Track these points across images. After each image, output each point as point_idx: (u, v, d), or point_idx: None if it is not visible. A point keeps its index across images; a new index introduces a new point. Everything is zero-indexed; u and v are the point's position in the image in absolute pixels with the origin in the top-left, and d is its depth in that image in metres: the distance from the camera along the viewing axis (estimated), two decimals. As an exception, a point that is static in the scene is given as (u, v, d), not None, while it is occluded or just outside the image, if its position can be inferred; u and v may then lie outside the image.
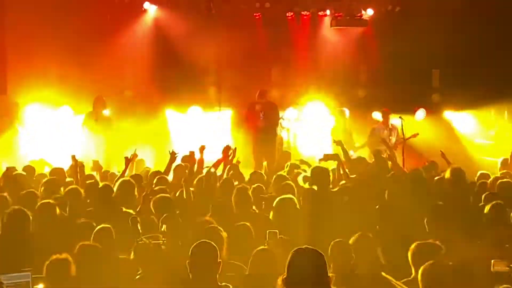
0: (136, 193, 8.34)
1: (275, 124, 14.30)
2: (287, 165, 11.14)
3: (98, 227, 6.48)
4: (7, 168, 10.47)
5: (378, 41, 16.33)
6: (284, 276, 4.28)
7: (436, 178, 9.45)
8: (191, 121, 16.59)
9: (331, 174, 8.80)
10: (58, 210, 7.38)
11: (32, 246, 6.29)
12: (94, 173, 10.70)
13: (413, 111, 16.58)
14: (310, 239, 6.76)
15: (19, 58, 14.74)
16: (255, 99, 14.25)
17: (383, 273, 5.39)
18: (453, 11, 15.01)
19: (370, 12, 16.02)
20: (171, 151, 10.45)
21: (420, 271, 5.26)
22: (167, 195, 8.06)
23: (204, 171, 9.52)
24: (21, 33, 14.34)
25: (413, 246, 5.85)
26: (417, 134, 15.07)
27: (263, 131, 13.90)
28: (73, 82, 15.47)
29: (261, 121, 13.81)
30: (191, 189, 8.58)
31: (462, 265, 5.66)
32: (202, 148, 10.52)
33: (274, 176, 9.66)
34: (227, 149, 10.58)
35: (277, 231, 6.28)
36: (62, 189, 8.88)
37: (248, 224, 6.82)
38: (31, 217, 6.74)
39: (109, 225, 6.48)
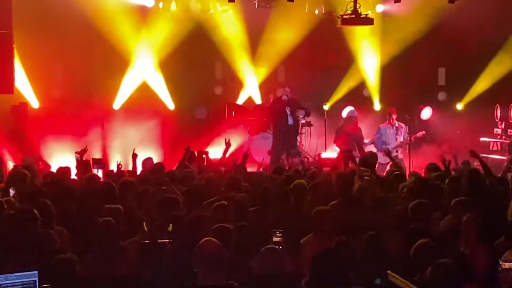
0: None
1: (298, 121, 14.53)
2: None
3: (101, 220, 6.51)
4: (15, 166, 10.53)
5: (383, 39, 16.33)
6: (307, 277, 4.32)
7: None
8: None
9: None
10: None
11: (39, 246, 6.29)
12: (96, 171, 10.69)
13: (419, 110, 16.59)
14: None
15: (26, 58, 14.82)
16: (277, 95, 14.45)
17: (389, 272, 5.38)
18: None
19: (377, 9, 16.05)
20: (186, 147, 10.56)
21: (428, 271, 5.29)
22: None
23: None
24: (28, 34, 14.39)
25: (416, 245, 5.85)
26: (424, 132, 15.07)
27: (288, 128, 14.10)
28: (78, 82, 15.57)
29: (288, 117, 14.00)
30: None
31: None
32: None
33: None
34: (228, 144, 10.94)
35: (281, 230, 6.29)
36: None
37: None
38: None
39: (110, 218, 6.51)
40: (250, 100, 16.56)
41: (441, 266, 5.33)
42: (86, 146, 10.50)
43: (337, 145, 14.99)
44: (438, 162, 10.35)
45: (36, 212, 6.66)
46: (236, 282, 5.04)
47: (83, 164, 9.88)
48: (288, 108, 14.25)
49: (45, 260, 5.70)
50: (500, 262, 5.48)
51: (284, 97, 14.26)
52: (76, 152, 10.29)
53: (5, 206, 7.41)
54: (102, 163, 10.63)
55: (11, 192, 8.48)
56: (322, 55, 16.83)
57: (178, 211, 7.18)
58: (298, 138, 15.28)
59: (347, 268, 4.53)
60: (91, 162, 10.82)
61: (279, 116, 14.30)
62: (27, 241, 6.22)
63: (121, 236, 6.54)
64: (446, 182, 8.30)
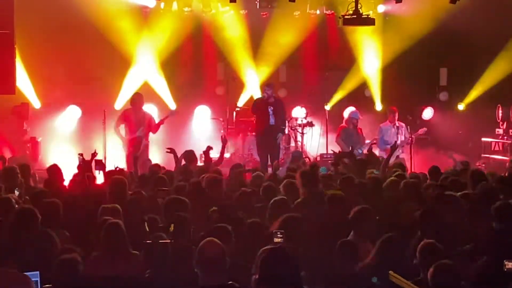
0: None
1: (282, 121, 14.31)
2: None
3: (108, 222, 6.48)
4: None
5: (385, 39, 16.33)
6: (257, 276, 4.32)
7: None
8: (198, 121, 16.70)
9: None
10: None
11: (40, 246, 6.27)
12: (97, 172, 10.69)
13: (421, 110, 16.58)
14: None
15: (28, 58, 14.83)
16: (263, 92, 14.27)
17: (391, 272, 5.38)
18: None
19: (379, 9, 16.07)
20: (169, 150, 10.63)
21: (430, 271, 5.30)
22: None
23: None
24: (30, 34, 14.41)
25: (420, 245, 5.86)
26: (425, 129, 15.05)
27: (270, 128, 13.89)
28: (79, 82, 15.58)
29: (270, 117, 13.81)
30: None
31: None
32: (208, 149, 10.74)
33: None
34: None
35: (282, 231, 6.26)
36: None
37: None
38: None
39: (118, 220, 6.49)
40: (252, 100, 16.55)
41: (442, 267, 5.34)
42: (96, 150, 10.64)
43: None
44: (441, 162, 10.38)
45: (37, 212, 6.65)
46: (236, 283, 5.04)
47: (86, 165, 9.90)
48: (271, 108, 14.02)
49: (47, 261, 5.71)
50: (505, 262, 5.47)
51: (264, 95, 14.07)
52: (79, 154, 10.32)
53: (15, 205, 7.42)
54: (102, 164, 10.64)
55: (16, 192, 8.48)
56: (323, 55, 16.84)
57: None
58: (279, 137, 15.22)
59: (297, 267, 4.52)
60: (93, 163, 10.81)
61: (260, 115, 14.10)
62: (29, 241, 6.21)
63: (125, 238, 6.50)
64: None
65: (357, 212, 6.93)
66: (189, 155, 11.06)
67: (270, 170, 12.84)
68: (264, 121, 13.91)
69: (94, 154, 10.41)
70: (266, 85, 14.33)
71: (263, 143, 13.90)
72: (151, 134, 14.01)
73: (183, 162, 10.79)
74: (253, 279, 4.51)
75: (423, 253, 5.81)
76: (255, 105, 14.24)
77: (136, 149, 13.17)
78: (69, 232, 7.03)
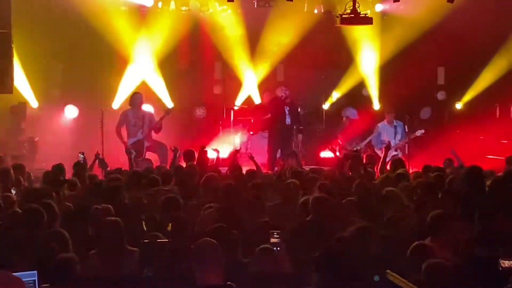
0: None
1: (297, 121, 14.43)
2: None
3: (107, 219, 6.47)
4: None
5: (383, 38, 16.34)
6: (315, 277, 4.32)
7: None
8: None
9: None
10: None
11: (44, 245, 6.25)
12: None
13: (418, 109, 16.59)
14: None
15: (25, 58, 14.81)
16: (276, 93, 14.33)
17: (388, 271, 5.38)
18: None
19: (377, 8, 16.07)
20: (173, 148, 10.63)
21: (423, 270, 5.31)
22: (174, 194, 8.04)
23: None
24: (27, 33, 14.40)
25: (413, 246, 5.85)
26: (423, 131, 15.06)
27: (286, 127, 14.01)
28: (77, 81, 15.57)
29: (286, 116, 13.93)
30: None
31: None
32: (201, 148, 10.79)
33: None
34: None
35: (279, 231, 6.24)
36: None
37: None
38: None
39: (117, 218, 6.47)
40: (249, 99, 16.57)
41: (434, 266, 5.35)
42: (97, 151, 10.70)
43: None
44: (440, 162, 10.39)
45: (43, 211, 6.64)
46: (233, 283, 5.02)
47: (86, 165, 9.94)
48: (287, 107, 14.12)
49: (46, 260, 5.69)
50: (500, 261, 5.47)
51: (282, 95, 14.12)
52: (80, 152, 10.36)
53: (1, 205, 7.41)
54: (106, 163, 10.69)
55: (13, 191, 8.48)
56: (321, 54, 16.82)
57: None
58: (299, 138, 15.23)
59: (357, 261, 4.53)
60: (97, 162, 10.87)
61: (277, 114, 14.14)
62: (34, 241, 6.19)
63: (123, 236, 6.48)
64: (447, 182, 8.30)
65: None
66: (189, 154, 11.07)
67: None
68: (281, 120, 14.04)
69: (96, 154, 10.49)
70: (283, 86, 14.46)
71: (277, 140, 13.99)
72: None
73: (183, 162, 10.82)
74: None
75: (418, 252, 5.79)
76: (272, 104, 14.31)
77: (139, 153, 13.15)
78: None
